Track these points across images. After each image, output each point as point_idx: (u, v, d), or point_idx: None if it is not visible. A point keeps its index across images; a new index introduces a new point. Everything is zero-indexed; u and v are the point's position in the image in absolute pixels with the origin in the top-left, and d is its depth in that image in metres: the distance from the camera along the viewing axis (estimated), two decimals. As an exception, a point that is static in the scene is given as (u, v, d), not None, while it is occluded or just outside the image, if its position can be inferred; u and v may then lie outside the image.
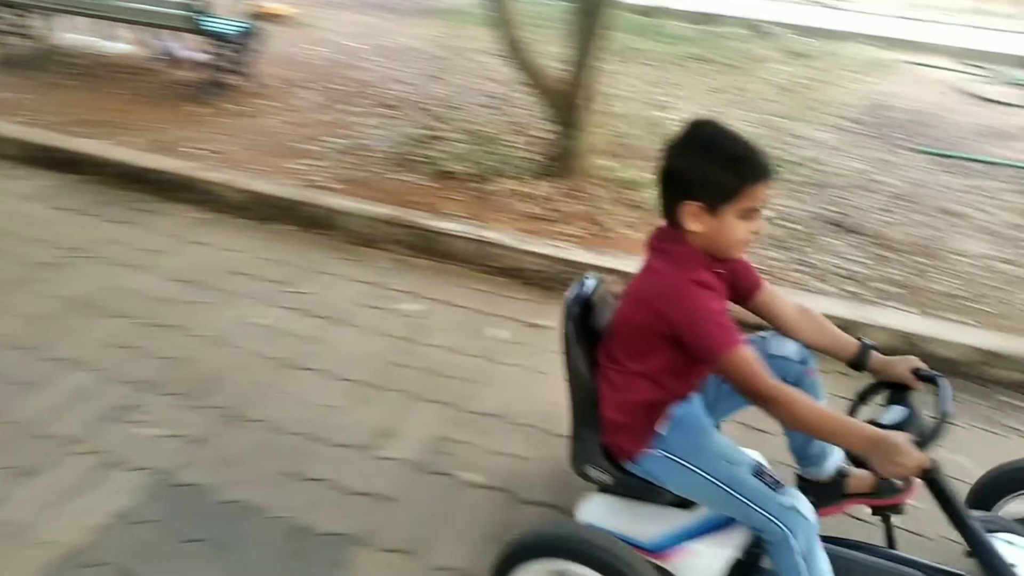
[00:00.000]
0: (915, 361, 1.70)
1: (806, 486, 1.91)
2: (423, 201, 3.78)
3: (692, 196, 1.49)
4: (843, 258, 3.54)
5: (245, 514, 2.13)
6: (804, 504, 1.55)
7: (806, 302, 3.10)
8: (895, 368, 1.71)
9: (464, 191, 3.92)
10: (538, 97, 4.14)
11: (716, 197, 1.49)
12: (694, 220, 1.51)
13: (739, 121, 5.17)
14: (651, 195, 3.90)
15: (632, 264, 3.28)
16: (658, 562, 1.67)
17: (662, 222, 1.62)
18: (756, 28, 8.04)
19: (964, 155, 4.97)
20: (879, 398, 1.74)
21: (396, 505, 2.18)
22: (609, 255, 3.37)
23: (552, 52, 4.09)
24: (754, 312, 1.83)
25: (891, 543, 1.86)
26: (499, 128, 4.77)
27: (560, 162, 4.10)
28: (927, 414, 1.58)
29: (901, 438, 1.41)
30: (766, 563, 1.63)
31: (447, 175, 4.07)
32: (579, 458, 1.76)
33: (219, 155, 4.26)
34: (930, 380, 1.66)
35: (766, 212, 3.88)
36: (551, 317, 3.11)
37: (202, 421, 2.46)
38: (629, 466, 1.70)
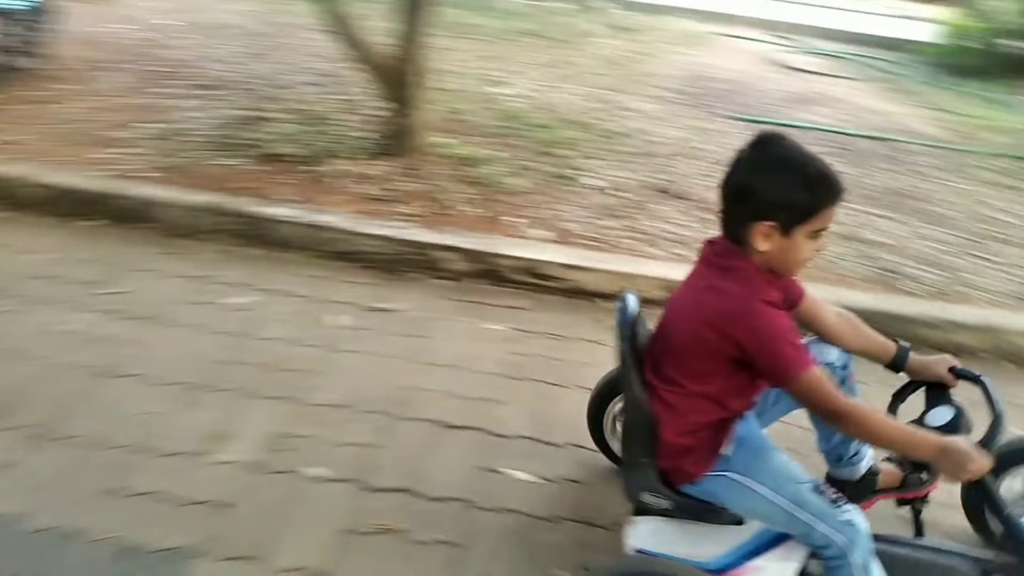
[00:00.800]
0: (951, 360, 1.78)
1: (838, 486, 1.91)
2: (250, 187, 3.57)
3: (766, 217, 1.44)
4: (671, 223, 3.71)
5: (63, 541, 1.92)
6: (859, 517, 1.57)
7: (639, 267, 3.26)
8: (933, 368, 1.77)
9: (295, 174, 3.74)
10: (368, 74, 4.02)
11: (791, 218, 1.44)
12: (764, 240, 1.46)
13: (571, 95, 5.28)
14: (490, 171, 3.91)
15: (473, 241, 3.31)
16: None
17: (716, 234, 1.59)
18: (583, 3, 8.24)
19: (775, 121, 5.34)
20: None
21: (235, 510, 2.05)
22: (451, 233, 3.33)
23: (380, 27, 3.97)
24: (797, 320, 1.77)
25: (919, 532, 1.90)
26: (330, 107, 4.59)
27: (395, 140, 4.00)
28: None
29: (966, 444, 1.46)
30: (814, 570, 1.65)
31: (276, 158, 3.87)
32: (636, 486, 1.69)
33: (12, 146, 3.81)
34: (969, 378, 1.74)
35: (599, 183, 4.03)
36: (393, 300, 3.05)
37: (4, 444, 2.20)
38: (688, 488, 1.65)
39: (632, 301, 1.78)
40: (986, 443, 1.53)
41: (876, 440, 1.54)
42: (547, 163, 4.17)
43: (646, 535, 1.72)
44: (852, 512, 1.57)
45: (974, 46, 7.55)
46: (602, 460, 2.34)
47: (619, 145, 4.56)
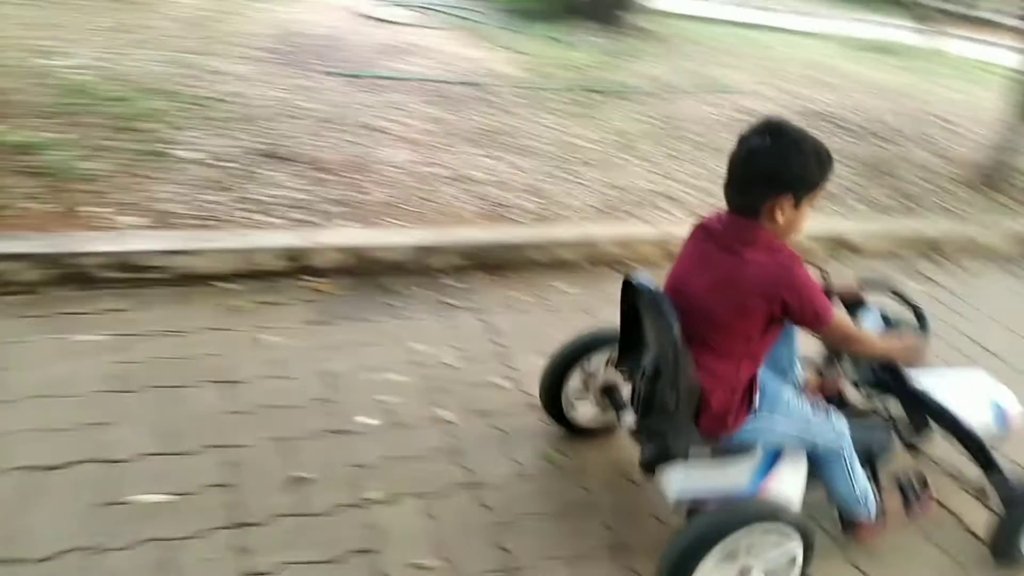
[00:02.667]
0: (856, 276, 2.17)
1: None
2: None
3: (787, 191, 1.63)
4: (285, 188, 3.51)
5: None
6: (844, 422, 1.93)
7: (258, 240, 3.05)
8: (851, 288, 2.16)
9: None
10: None
11: (805, 189, 1.65)
12: (781, 213, 1.64)
13: (149, 62, 4.70)
14: (56, 157, 3.31)
15: (44, 243, 2.76)
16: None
17: (718, 213, 1.77)
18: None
19: (373, 73, 5.37)
20: None
21: None
22: (11, 238, 2.74)
23: None
24: None
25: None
26: None
27: (-86, 135, 3.17)
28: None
29: (916, 339, 1.95)
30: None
31: None
32: (681, 449, 1.83)
33: None
34: (879, 286, 2.16)
35: (197, 155, 3.66)
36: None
37: None
38: (724, 438, 1.82)
39: (654, 281, 1.83)
40: (921, 331, 2.04)
41: (873, 353, 1.96)
42: (130, 140, 3.66)
43: (682, 483, 1.91)
44: (837, 418, 1.93)
45: (537, -8, 8.39)
46: (247, 455, 2.15)
47: (214, 112, 4.18)
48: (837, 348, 2.00)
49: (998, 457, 2.14)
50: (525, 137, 4.70)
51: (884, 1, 14.61)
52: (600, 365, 2.27)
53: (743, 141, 1.68)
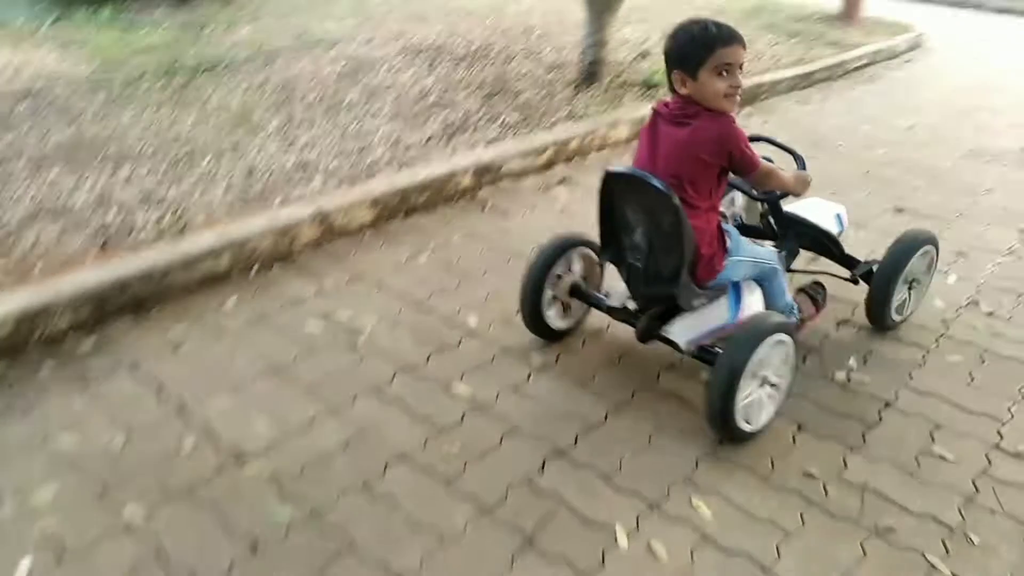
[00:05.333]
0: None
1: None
2: None
3: (673, 67, 2.09)
4: None
5: None
6: (773, 250, 2.53)
7: None
8: None
9: None
10: None
11: (687, 64, 2.05)
12: (681, 85, 2.09)
13: None
14: None
15: None
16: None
17: (665, 100, 2.20)
18: None
19: None
20: None
21: None
22: None
23: None
24: None
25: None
26: None
27: None
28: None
29: (804, 173, 2.39)
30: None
31: None
32: (687, 303, 2.23)
33: None
34: (756, 139, 2.41)
35: None
36: None
37: None
38: (710, 283, 2.24)
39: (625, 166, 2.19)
40: (802, 168, 2.46)
41: (783, 184, 2.28)
42: None
43: (686, 331, 2.29)
44: (771, 247, 2.58)
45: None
46: None
47: None
48: (759, 185, 2.36)
49: (854, 253, 2.83)
50: (120, 142, 3.96)
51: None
52: (562, 272, 2.57)
53: None
